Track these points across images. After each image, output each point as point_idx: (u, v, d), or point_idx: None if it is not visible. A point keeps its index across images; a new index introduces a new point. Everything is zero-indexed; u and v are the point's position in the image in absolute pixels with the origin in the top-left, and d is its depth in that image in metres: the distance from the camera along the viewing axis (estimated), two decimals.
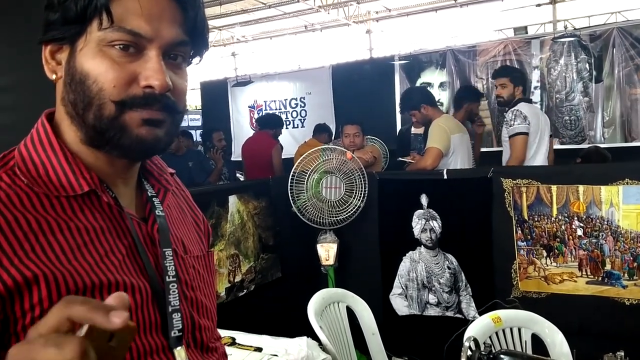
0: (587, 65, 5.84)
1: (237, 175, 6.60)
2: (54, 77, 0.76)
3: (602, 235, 2.77)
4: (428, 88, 6.22)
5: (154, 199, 0.83)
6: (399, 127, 6.37)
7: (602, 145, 5.04)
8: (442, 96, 6.59)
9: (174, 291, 0.77)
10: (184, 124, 10.64)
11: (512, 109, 3.61)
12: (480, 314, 2.74)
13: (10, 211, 0.68)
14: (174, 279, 0.78)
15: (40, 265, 0.66)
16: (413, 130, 4.77)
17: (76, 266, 0.69)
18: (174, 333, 0.76)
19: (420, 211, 3.23)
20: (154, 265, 0.77)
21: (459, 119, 4.06)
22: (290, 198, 3.36)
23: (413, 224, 3.26)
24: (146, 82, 0.71)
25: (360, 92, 6.91)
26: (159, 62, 0.72)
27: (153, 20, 0.71)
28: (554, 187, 2.85)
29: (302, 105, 7.88)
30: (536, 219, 2.90)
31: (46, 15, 0.73)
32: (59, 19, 0.72)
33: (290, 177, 3.39)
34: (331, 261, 3.39)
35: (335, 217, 3.35)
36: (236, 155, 7.42)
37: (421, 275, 3.26)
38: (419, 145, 4.56)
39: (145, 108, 0.72)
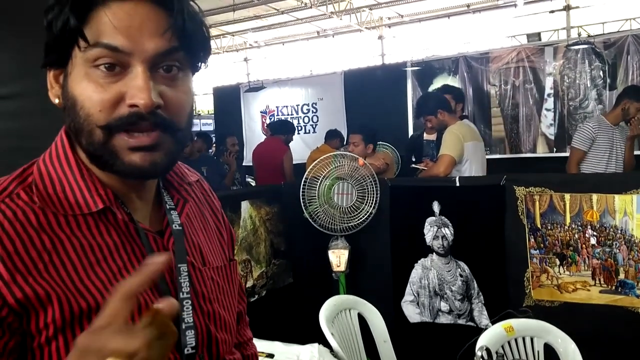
0: (601, 73, 5.82)
1: (248, 179, 6.64)
2: (56, 101, 0.75)
3: (616, 244, 2.75)
4: None
5: (172, 211, 0.82)
6: (410, 133, 6.36)
7: None
8: None
9: (187, 308, 0.76)
10: (196, 128, 10.75)
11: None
12: (493, 323, 2.73)
13: (26, 230, 0.68)
14: (188, 296, 0.77)
15: (53, 285, 0.67)
16: (425, 136, 4.76)
17: (88, 285, 0.69)
18: (187, 350, 0.76)
19: (432, 218, 3.23)
20: (169, 279, 0.77)
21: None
22: (302, 204, 3.37)
23: (425, 231, 3.25)
24: (130, 100, 0.68)
25: (372, 98, 6.91)
26: (144, 78, 0.68)
27: (132, 33, 0.67)
28: (567, 196, 2.84)
29: (314, 110, 7.91)
30: (549, 227, 2.89)
31: (46, 38, 0.72)
32: (51, 42, 0.70)
33: (302, 183, 3.40)
34: (342, 267, 3.39)
35: (347, 223, 3.35)
36: (247, 160, 7.45)
37: (433, 283, 3.26)
38: (431, 152, 4.54)
39: (133, 131, 0.69)
